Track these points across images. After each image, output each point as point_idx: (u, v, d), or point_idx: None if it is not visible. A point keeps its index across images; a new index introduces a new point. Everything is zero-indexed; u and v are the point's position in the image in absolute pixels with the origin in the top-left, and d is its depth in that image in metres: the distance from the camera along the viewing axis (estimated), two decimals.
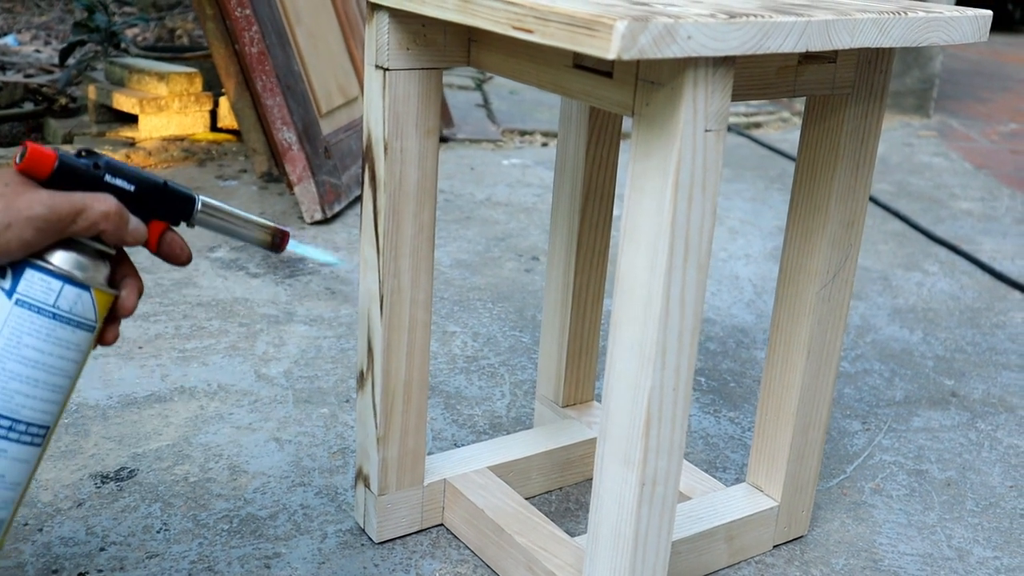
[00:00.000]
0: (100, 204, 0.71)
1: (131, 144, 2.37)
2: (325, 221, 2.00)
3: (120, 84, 2.53)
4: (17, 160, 0.70)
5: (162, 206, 0.76)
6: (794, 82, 0.90)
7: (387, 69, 0.91)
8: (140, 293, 0.77)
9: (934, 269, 2.00)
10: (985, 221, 2.35)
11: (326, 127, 2.12)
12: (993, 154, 3.02)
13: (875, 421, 1.40)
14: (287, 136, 1.97)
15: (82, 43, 2.85)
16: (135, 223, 0.74)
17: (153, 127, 2.44)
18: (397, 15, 0.90)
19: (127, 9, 4.13)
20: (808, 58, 0.90)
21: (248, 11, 1.93)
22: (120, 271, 0.76)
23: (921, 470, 1.28)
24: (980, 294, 1.89)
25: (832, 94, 0.94)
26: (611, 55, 0.67)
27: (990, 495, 1.24)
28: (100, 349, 1.42)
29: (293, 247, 0.85)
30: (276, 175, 2.24)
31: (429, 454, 1.22)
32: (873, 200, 2.41)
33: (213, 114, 2.55)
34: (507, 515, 1.03)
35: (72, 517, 1.07)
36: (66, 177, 0.71)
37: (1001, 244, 2.18)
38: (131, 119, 2.49)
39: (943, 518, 1.18)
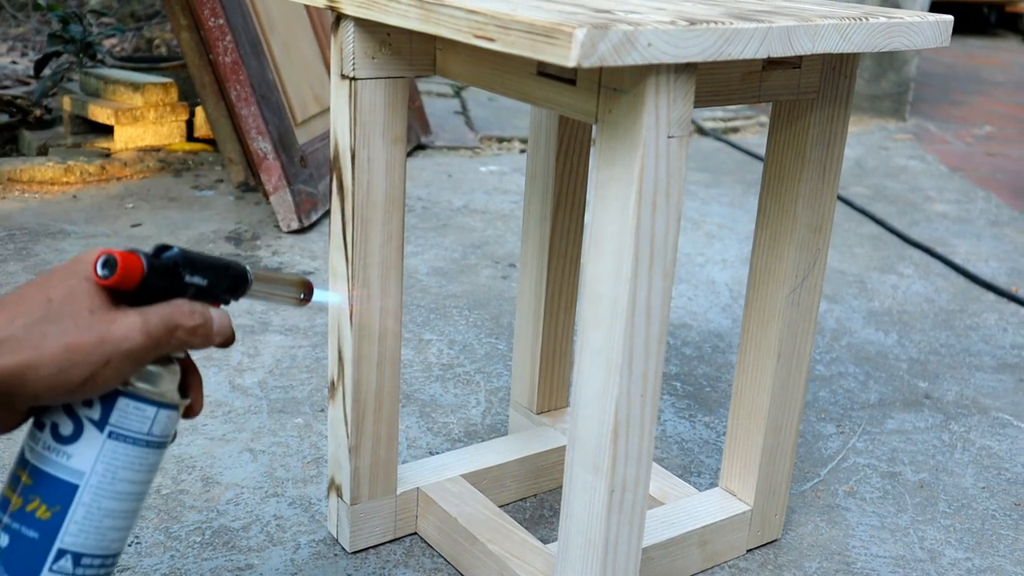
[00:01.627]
0: (190, 319, 0.67)
1: (107, 155, 2.37)
2: (302, 230, 1.99)
3: (95, 95, 2.52)
4: (100, 273, 0.64)
5: (225, 291, 0.72)
6: (759, 88, 0.91)
7: (353, 78, 0.91)
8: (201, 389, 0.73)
9: (909, 272, 2.01)
10: (960, 223, 2.36)
11: (302, 136, 2.11)
12: (968, 156, 3.04)
13: (849, 424, 1.40)
14: (262, 145, 1.97)
15: (57, 54, 2.84)
16: (218, 325, 0.70)
17: (129, 138, 2.43)
18: (362, 24, 0.90)
19: (105, 20, 4.12)
20: (772, 64, 0.90)
21: (222, 21, 1.93)
22: (186, 371, 0.72)
23: (894, 472, 1.29)
24: (954, 296, 1.90)
25: (798, 99, 0.94)
26: (571, 63, 0.67)
27: (962, 496, 1.24)
28: None
29: (317, 297, 0.83)
30: (253, 185, 2.24)
31: (403, 462, 1.21)
32: (848, 203, 2.42)
33: (189, 124, 2.54)
34: (480, 523, 1.03)
35: None
36: (151, 286, 0.65)
37: (975, 246, 2.20)
38: (107, 130, 2.48)
39: (916, 520, 1.19)
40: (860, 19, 0.82)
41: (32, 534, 0.65)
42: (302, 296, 0.80)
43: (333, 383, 1.03)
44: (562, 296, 1.18)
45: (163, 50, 3.74)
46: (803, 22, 0.78)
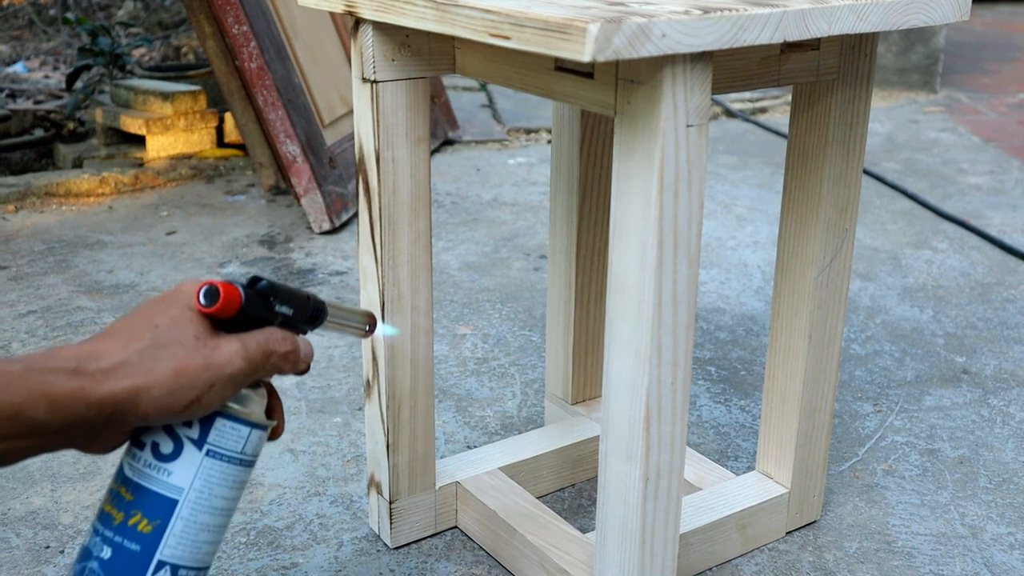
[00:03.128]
0: (282, 345, 0.71)
1: (140, 165, 2.40)
2: (333, 231, 2.01)
3: (126, 106, 2.55)
4: (202, 302, 0.68)
5: (306, 321, 0.76)
6: (778, 71, 0.91)
7: (374, 81, 0.93)
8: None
9: (943, 246, 2.00)
10: (994, 195, 2.33)
11: (329, 137, 2.13)
12: (1001, 126, 3.00)
13: (886, 402, 1.40)
14: (291, 149, 1.99)
15: (88, 67, 2.88)
16: (304, 352, 0.74)
17: (161, 147, 2.46)
18: (381, 28, 0.91)
19: (133, 30, 4.17)
20: (791, 47, 0.90)
21: (246, 27, 1.95)
22: (269, 395, 0.76)
23: (933, 449, 1.28)
24: (990, 269, 1.89)
25: (818, 81, 0.94)
26: (586, 58, 0.68)
27: (1003, 471, 1.23)
28: None
29: (378, 329, 0.87)
30: (283, 188, 2.26)
31: (442, 457, 1.23)
32: (880, 179, 2.40)
33: (219, 130, 2.57)
34: (519, 515, 1.04)
35: None
36: (247, 315, 0.70)
37: (1011, 217, 2.17)
38: (139, 140, 2.51)
39: (956, 496, 1.18)
40: None
41: (134, 547, 0.68)
42: (367, 328, 0.84)
43: (368, 382, 1.04)
44: (592, 286, 1.19)
45: (191, 57, 3.78)
46: (818, 4, 0.78)
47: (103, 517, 0.70)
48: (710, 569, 1.05)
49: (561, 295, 1.20)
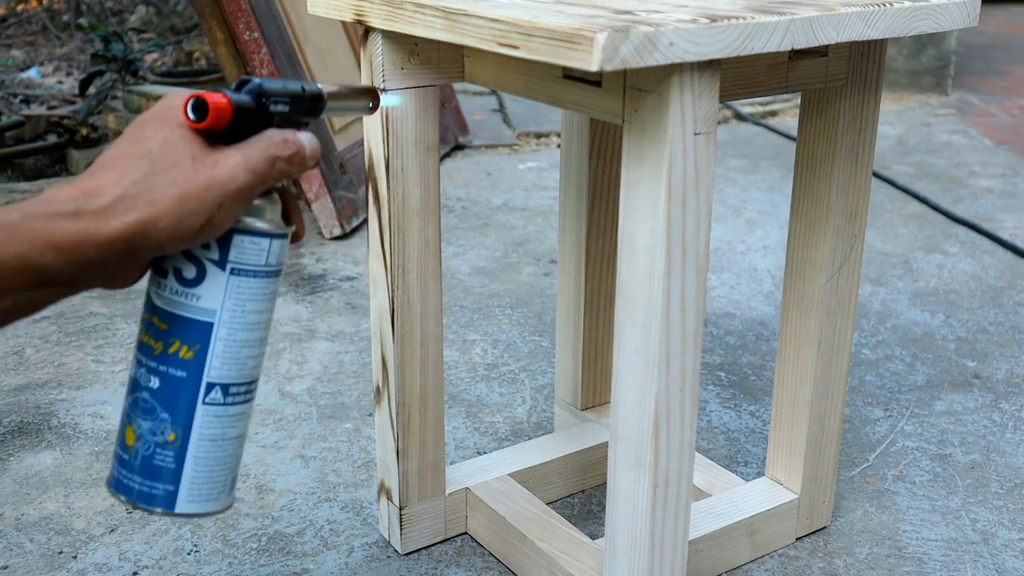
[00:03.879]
0: (285, 148, 0.67)
1: None
2: (344, 236, 2.02)
3: (139, 111, 2.57)
4: (192, 118, 0.64)
5: (305, 114, 0.73)
6: (786, 78, 0.91)
7: (384, 90, 0.93)
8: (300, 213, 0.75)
9: (955, 250, 1.99)
10: (1006, 198, 2.33)
11: (340, 143, 2.14)
12: (1014, 128, 2.99)
13: (897, 407, 1.39)
14: None
15: (101, 73, 2.90)
16: (309, 148, 0.70)
17: None
18: (390, 36, 0.92)
19: (145, 35, 4.19)
20: (799, 54, 0.90)
21: (256, 34, 1.96)
22: (283, 199, 0.73)
23: (944, 454, 1.28)
24: (1002, 273, 1.88)
25: (826, 87, 0.94)
26: (593, 67, 0.68)
27: (1015, 476, 1.23)
28: (126, 374, 1.45)
29: (384, 102, 0.85)
30: (294, 193, 2.27)
31: (452, 463, 1.23)
32: (891, 182, 2.40)
33: None
34: (529, 521, 1.05)
35: (105, 543, 1.09)
36: (242, 122, 0.66)
37: (1023, 220, 2.16)
38: None
39: (967, 502, 1.18)
40: (884, 4, 0.82)
41: (180, 373, 0.69)
42: (371, 105, 0.82)
43: (378, 389, 1.05)
44: (601, 292, 1.19)
45: (203, 62, 3.80)
46: (826, 12, 0.78)
47: (143, 347, 0.70)
48: (720, 575, 1.05)
49: (571, 301, 1.20)
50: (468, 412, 1.37)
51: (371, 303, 1.02)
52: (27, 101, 3.53)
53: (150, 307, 0.70)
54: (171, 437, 0.69)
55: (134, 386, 0.70)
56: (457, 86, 3.28)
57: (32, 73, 4.02)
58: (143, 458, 0.69)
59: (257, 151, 0.66)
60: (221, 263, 0.68)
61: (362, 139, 2.25)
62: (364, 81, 0.95)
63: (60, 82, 3.88)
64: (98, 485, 1.20)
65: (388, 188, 0.96)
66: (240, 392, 0.71)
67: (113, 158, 0.63)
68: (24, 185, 2.28)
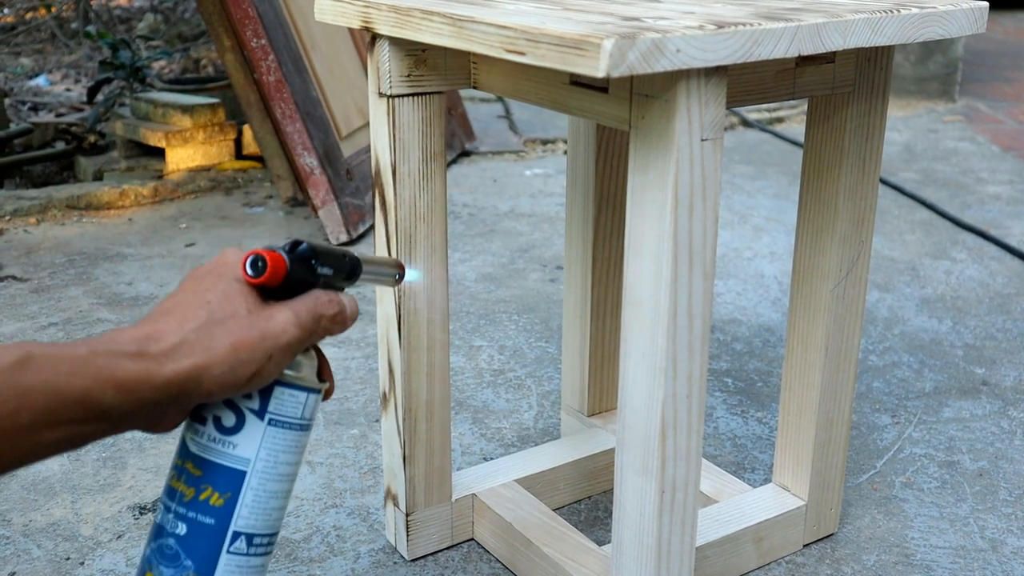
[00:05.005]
0: (329, 307, 0.72)
1: (159, 177, 2.42)
2: (350, 242, 2.02)
3: (146, 119, 2.57)
4: (250, 273, 0.69)
5: (345, 279, 0.77)
6: (793, 85, 0.91)
7: (391, 96, 0.93)
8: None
9: (962, 256, 1.99)
10: (1014, 204, 2.32)
11: (347, 149, 2.14)
12: (1021, 135, 2.98)
13: (904, 414, 1.39)
14: (308, 161, 2.00)
15: (108, 80, 2.91)
16: (350, 310, 0.75)
17: (180, 159, 2.48)
18: (397, 43, 0.92)
19: (153, 43, 4.20)
20: (806, 60, 0.90)
21: (264, 41, 1.97)
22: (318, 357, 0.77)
23: (952, 461, 1.27)
24: (1010, 279, 1.87)
25: (833, 94, 0.94)
26: (600, 73, 0.68)
27: None
28: None
29: (407, 276, 0.89)
30: (301, 200, 2.27)
31: (458, 469, 1.23)
32: (898, 189, 2.39)
33: (238, 143, 2.59)
34: (535, 527, 1.04)
35: (112, 549, 1.09)
36: (293, 280, 0.71)
37: None
38: (159, 152, 2.53)
39: (976, 509, 1.18)
40: (891, 11, 0.82)
41: (208, 520, 0.70)
42: (397, 276, 0.86)
43: (385, 395, 1.05)
44: (608, 298, 1.19)
45: (210, 70, 3.81)
46: (833, 18, 0.78)
47: (172, 494, 0.71)
48: None
49: (577, 307, 1.20)
50: (475, 418, 1.37)
51: (377, 309, 1.03)
52: (35, 108, 3.54)
53: (184, 453, 0.71)
54: None
55: (159, 532, 0.71)
56: (464, 93, 3.28)
57: (40, 81, 4.03)
58: None
59: (306, 308, 0.70)
60: (260, 413, 0.71)
61: (368, 145, 2.25)
62: (371, 88, 0.95)
63: (68, 89, 3.89)
64: (105, 491, 1.20)
65: (395, 194, 0.96)
66: (263, 543, 0.72)
67: (174, 306, 0.68)
68: (32, 192, 2.29)
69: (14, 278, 1.85)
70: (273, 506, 0.72)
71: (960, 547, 1.11)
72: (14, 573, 1.06)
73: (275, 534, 0.73)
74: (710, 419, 1.37)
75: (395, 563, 1.07)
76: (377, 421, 1.35)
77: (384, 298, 1.01)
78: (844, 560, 1.08)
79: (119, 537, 1.11)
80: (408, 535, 1.07)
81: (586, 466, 1.18)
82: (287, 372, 0.71)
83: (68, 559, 1.08)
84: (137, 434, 1.32)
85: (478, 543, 1.11)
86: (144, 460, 1.26)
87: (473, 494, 1.10)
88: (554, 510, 1.13)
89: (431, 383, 1.03)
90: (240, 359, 0.66)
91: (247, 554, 0.71)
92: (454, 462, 1.27)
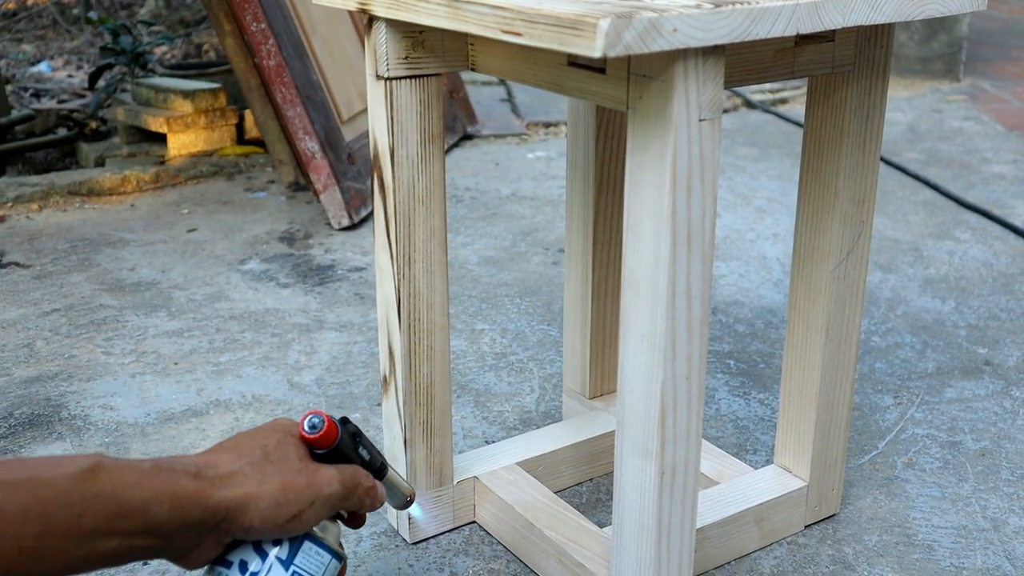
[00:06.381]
0: (367, 480, 0.80)
1: (161, 163, 2.42)
2: (352, 227, 2.02)
3: (147, 104, 2.57)
4: (307, 430, 0.76)
5: (375, 469, 0.84)
6: (792, 64, 0.90)
7: (388, 79, 0.93)
8: None
9: (966, 236, 1.98)
10: (1018, 184, 2.31)
11: (348, 133, 2.14)
12: None
13: (907, 395, 1.39)
14: (310, 145, 1.99)
15: (110, 66, 2.90)
16: (380, 493, 0.82)
17: (181, 144, 2.48)
18: (394, 25, 0.91)
19: (155, 28, 4.19)
20: (805, 39, 0.90)
21: (264, 25, 1.96)
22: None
23: (955, 441, 1.27)
24: (1014, 259, 1.87)
25: (833, 73, 0.94)
26: (597, 53, 0.68)
27: None
28: (136, 365, 1.46)
29: (412, 509, 0.98)
30: (303, 184, 2.27)
31: (460, 452, 1.23)
32: (902, 169, 2.38)
33: (239, 128, 2.58)
34: (536, 510, 1.05)
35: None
36: (339, 449, 0.77)
37: None
38: (160, 138, 2.53)
39: (978, 489, 1.17)
40: None
41: None
42: (408, 499, 0.92)
43: (385, 378, 1.05)
44: (609, 281, 1.19)
45: (212, 55, 3.80)
46: None
47: None
48: (728, 563, 1.05)
49: (578, 290, 1.20)
50: (477, 401, 1.37)
51: (377, 293, 1.02)
52: (37, 95, 3.54)
53: None
54: None
55: None
56: (466, 76, 3.27)
57: (42, 67, 4.03)
58: None
59: (348, 473, 0.78)
60: (286, 564, 0.74)
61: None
62: (369, 71, 0.95)
63: (70, 76, 3.89)
64: None
65: (393, 177, 0.96)
66: None
67: (232, 445, 0.74)
68: (34, 179, 2.28)
69: (17, 264, 1.85)
70: None
71: (962, 527, 1.11)
72: None
73: None
74: (712, 401, 1.37)
75: (397, 546, 1.08)
76: (379, 405, 1.36)
77: (384, 281, 1.01)
78: (846, 540, 1.08)
79: None
80: (410, 518, 1.07)
81: (587, 448, 1.18)
82: (316, 531, 0.76)
83: None
84: (140, 419, 1.32)
85: (480, 526, 1.11)
86: (147, 445, 1.27)
87: (475, 477, 1.10)
88: (556, 492, 1.13)
89: (431, 366, 1.03)
90: (287, 498, 0.72)
91: None
92: (456, 445, 1.27)
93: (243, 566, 0.73)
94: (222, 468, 0.70)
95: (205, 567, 0.74)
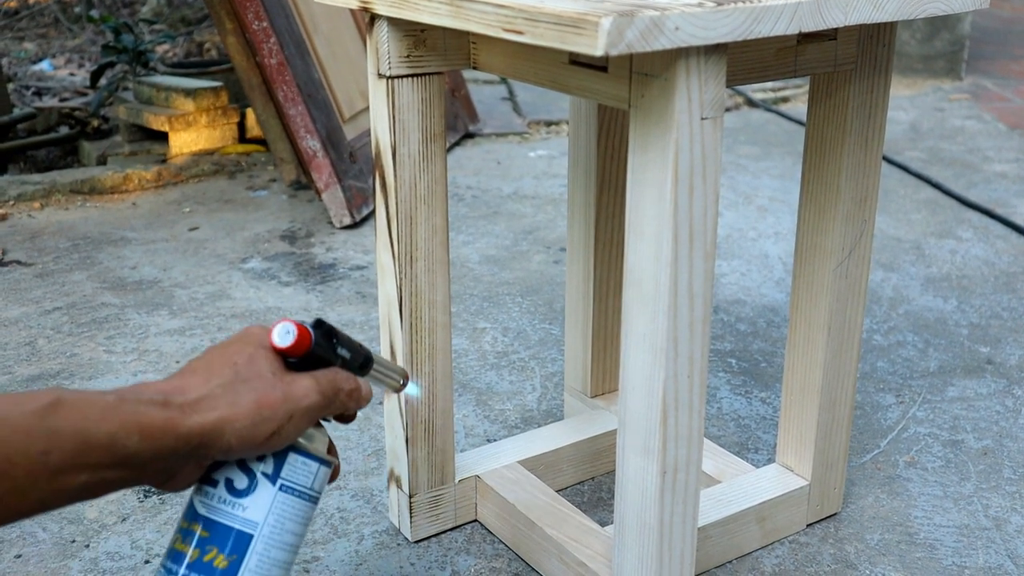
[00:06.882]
0: (347, 383, 0.75)
1: (163, 161, 2.42)
2: (354, 225, 2.02)
3: (149, 103, 2.57)
4: (277, 340, 0.72)
5: (358, 368, 0.79)
6: (795, 62, 0.90)
7: (390, 77, 0.93)
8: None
9: (968, 235, 1.98)
10: (1020, 183, 2.31)
11: (350, 132, 2.14)
12: None
13: (909, 393, 1.39)
14: (311, 144, 1.99)
15: (112, 65, 2.90)
16: (365, 391, 0.78)
17: (183, 143, 2.48)
18: (396, 23, 0.91)
19: (156, 27, 4.19)
20: (807, 37, 0.90)
21: (266, 23, 1.96)
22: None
23: (957, 440, 1.27)
24: (1016, 258, 1.87)
25: (835, 71, 0.93)
26: (599, 52, 0.68)
27: None
28: (137, 364, 1.46)
29: (407, 388, 0.92)
30: (305, 183, 2.27)
31: (462, 451, 1.23)
32: (904, 168, 2.38)
33: (241, 126, 2.58)
34: (538, 508, 1.05)
35: (117, 532, 1.10)
36: (314, 354, 0.73)
37: None
38: (162, 136, 2.53)
39: (980, 488, 1.17)
40: None
41: None
42: (401, 382, 0.88)
43: None
44: (610, 279, 1.19)
45: (213, 53, 3.80)
46: None
47: (175, 555, 0.71)
48: (730, 562, 1.05)
49: (580, 289, 1.20)
50: (478, 400, 1.37)
51: (379, 291, 1.02)
52: (39, 93, 3.54)
53: (191, 516, 0.72)
54: None
55: None
56: (468, 74, 3.27)
57: (44, 65, 4.03)
58: None
59: (326, 379, 0.73)
60: (273, 478, 0.72)
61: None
62: (371, 69, 0.95)
63: (72, 74, 3.89)
64: None
65: (395, 176, 0.96)
66: None
67: (200, 365, 0.70)
68: (36, 177, 2.28)
69: (18, 263, 1.85)
70: (275, 575, 0.73)
71: (964, 526, 1.11)
72: (20, 556, 1.06)
73: None
74: (714, 399, 1.37)
75: (399, 545, 1.08)
76: (380, 403, 1.36)
77: (386, 280, 1.01)
78: (847, 539, 1.08)
79: (124, 520, 1.12)
80: (411, 517, 1.07)
81: (589, 447, 1.18)
82: (301, 441, 0.73)
83: (73, 542, 1.08)
84: None
85: (481, 524, 1.11)
86: None
87: (476, 476, 1.10)
88: (557, 491, 1.13)
89: (433, 365, 1.03)
90: (262, 416, 0.68)
91: None
92: (458, 444, 1.27)
93: (229, 484, 0.71)
94: (191, 393, 0.67)
95: (192, 487, 0.73)
